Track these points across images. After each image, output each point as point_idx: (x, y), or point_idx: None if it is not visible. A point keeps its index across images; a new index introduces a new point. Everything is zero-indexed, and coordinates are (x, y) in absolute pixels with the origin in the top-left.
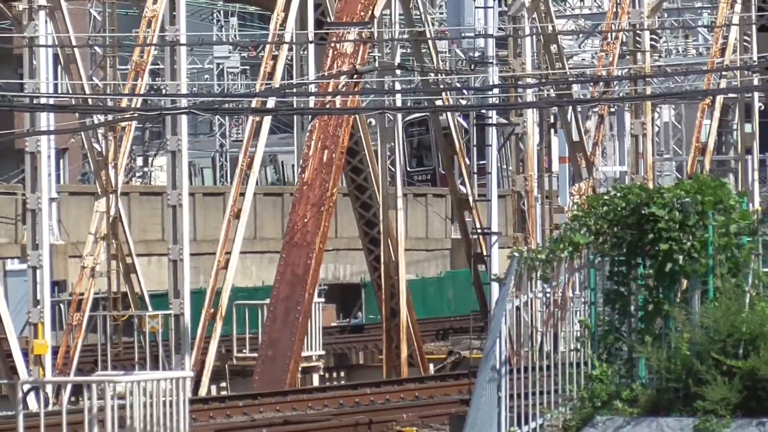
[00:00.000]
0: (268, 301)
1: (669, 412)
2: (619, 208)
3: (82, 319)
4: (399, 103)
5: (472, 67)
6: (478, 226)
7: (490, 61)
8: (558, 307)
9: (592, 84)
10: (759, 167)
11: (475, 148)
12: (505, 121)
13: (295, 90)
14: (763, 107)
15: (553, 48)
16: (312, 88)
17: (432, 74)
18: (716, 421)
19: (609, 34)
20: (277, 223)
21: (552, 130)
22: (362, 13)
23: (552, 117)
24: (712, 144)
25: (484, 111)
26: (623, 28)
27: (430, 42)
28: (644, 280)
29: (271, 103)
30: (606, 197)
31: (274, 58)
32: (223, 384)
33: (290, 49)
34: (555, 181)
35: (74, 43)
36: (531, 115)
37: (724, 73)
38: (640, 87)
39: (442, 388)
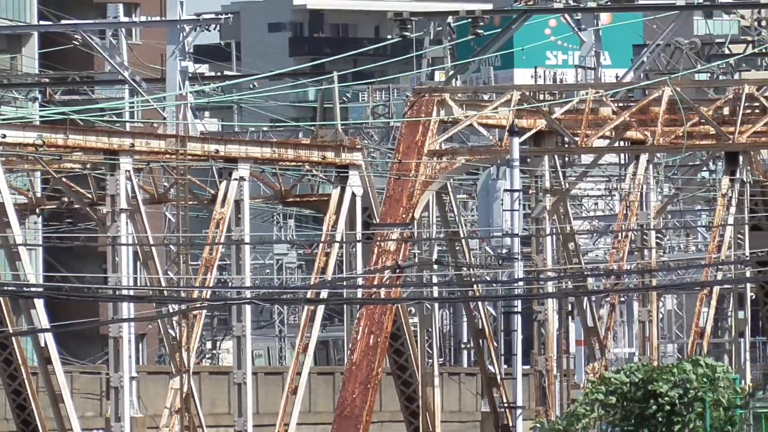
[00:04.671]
0: None
1: None
2: (628, 385)
3: None
4: (436, 294)
5: (500, 262)
6: (504, 400)
7: (516, 257)
8: None
9: (604, 277)
10: (750, 349)
11: (502, 333)
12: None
13: (345, 282)
14: (754, 297)
15: (571, 245)
16: (360, 281)
17: (465, 268)
18: None
19: (620, 233)
20: (329, 399)
21: (569, 317)
22: (404, 216)
23: (569, 305)
24: (710, 329)
25: (510, 301)
26: (632, 228)
27: (463, 240)
28: None
29: (324, 294)
30: (614, 377)
31: (327, 254)
32: None
33: (340, 247)
34: (572, 361)
35: (151, 242)
36: (551, 304)
37: (720, 266)
38: (647, 279)
39: None
